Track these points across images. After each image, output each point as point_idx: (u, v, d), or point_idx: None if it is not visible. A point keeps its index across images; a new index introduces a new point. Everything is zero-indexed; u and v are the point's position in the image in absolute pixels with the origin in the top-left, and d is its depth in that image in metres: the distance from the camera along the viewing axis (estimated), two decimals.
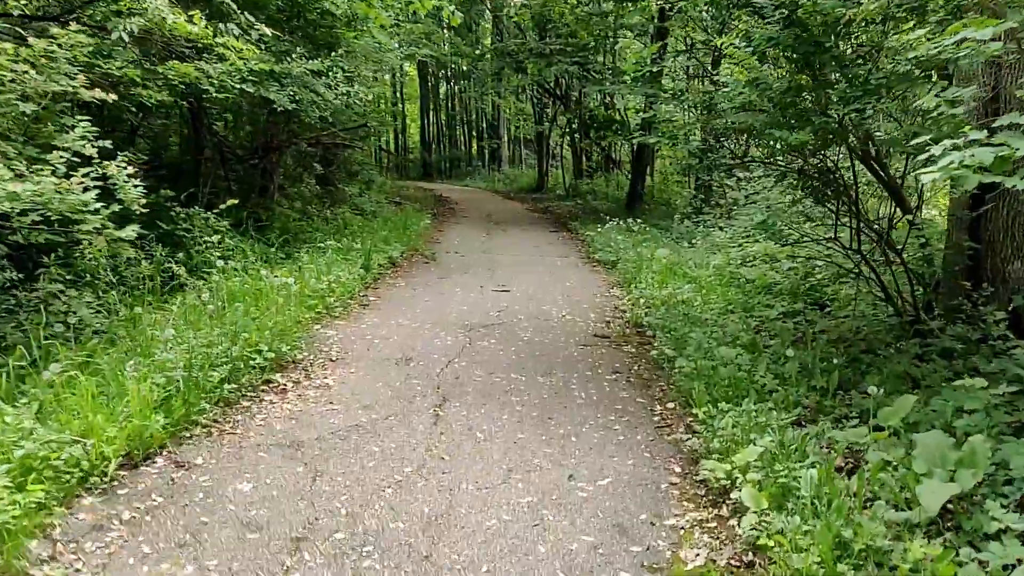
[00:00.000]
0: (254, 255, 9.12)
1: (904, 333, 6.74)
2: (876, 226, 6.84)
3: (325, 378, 6.13)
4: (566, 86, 25.53)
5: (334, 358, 6.61)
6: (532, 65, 20.44)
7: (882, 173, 6.57)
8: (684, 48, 17.67)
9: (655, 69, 16.13)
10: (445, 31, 32.36)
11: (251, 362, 5.92)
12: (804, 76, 5.40)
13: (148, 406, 4.66)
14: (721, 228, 12.45)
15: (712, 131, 14.41)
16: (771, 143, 6.02)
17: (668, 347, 6.80)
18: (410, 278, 10.41)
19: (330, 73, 9.74)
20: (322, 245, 9.80)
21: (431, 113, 48.84)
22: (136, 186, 5.30)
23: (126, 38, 5.69)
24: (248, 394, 5.63)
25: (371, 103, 22.46)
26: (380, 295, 9.21)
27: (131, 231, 5.07)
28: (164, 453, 4.57)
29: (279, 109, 9.32)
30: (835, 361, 6.00)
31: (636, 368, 6.64)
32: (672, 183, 21.85)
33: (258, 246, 9.77)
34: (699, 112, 15.05)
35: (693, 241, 12.43)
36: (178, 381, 4.98)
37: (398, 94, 52.58)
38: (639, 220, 16.25)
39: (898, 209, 6.75)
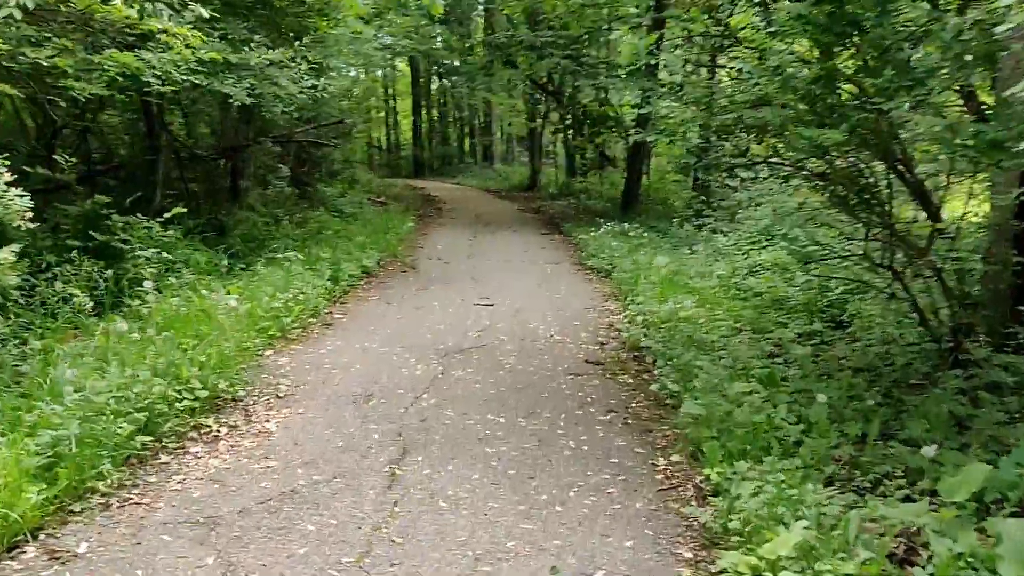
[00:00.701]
0: (206, 268, 8.14)
1: (942, 361, 5.80)
2: (907, 237, 5.89)
3: (267, 421, 5.16)
4: (559, 81, 24.54)
5: (282, 394, 5.64)
6: (523, 59, 19.45)
7: (907, 174, 5.62)
8: (683, 39, 16.65)
9: (652, 61, 15.13)
10: (436, 25, 31.34)
11: (178, 404, 4.96)
12: (838, 63, 4.44)
13: (24, 475, 3.70)
14: (724, 233, 11.49)
15: (714, 128, 13.48)
16: (793, 143, 5.05)
17: (671, 379, 5.84)
18: (385, 290, 9.43)
19: (293, 64, 8.75)
20: (288, 255, 8.81)
21: (423, 110, 47.81)
22: (22, 196, 4.31)
23: (18, 15, 4.70)
24: (169, 446, 4.66)
25: (356, 98, 21.46)
26: (348, 312, 8.23)
27: (8, 253, 4.08)
28: (40, 538, 3.60)
29: (235, 103, 8.34)
30: (868, 401, 5.06)
31: (634, 405, 5.68)
32: (669, 182, 20.89)
33: (216, 256, 8.80)
34: (700, 108, 14.10)
35: (694, 247, 11.46)
36: (69, 440, 4.01)
37: (389, 90, 51.61)
38: (635, 223, 15.30)
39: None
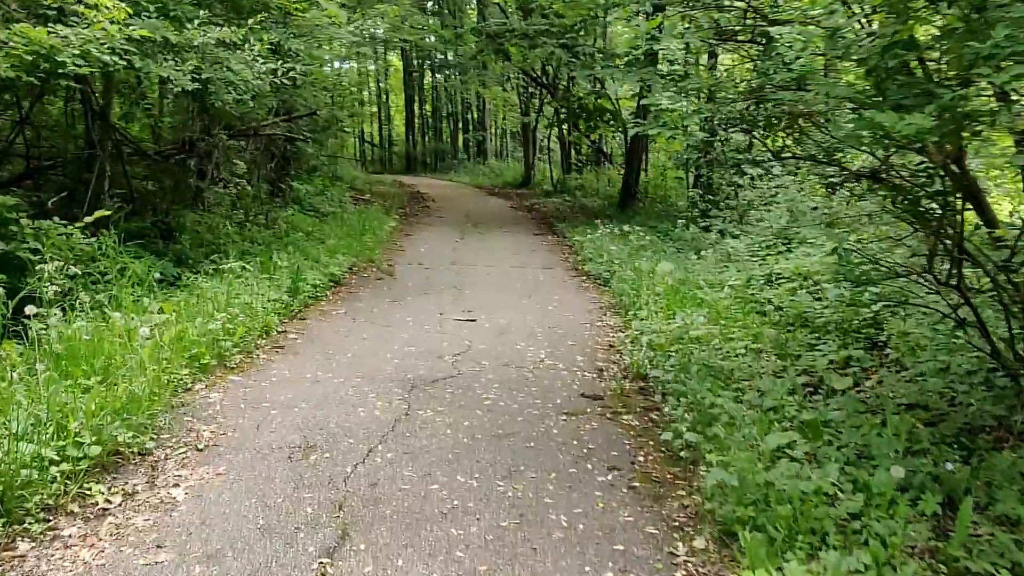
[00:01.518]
0: (146, 280, 6.98)
1: (1020, 401, 4.70)
2: (973, 251, 4.75)
3: (175, 486, 4.01)
4: (553, 74, 23.38)
5: (202, 446, 4.48)
6: (515, 48, 18.28)
7: (956, 170, 4.50)
8: (688, 21, 15.48)
9: (655, 47, 13.97)
10: (427, 16, 30.06)
11: (55, 468, 3.81)
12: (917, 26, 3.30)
13: None
14: (734, 235, 10.34)
15: (719, 120, 12.34)
16: (848, 132, 3.89)
17: (685, 423, 4.71)
18: (353, 303, 8.27)
19: (246, 46, 7.58)
20: (237, 263, 7.63)
21: (416, 105, 46.58)
22: None
23: None
24: (33, 528, 3.51)
25: (342, 90, 20.28)
26: (305, 331, 7.07)
27: None
28: None
29: (175, 89, 7.17)
30: (949, 467, 3.92)
31: (642, 459, 4.53)
32: (671, 178, 19.75)
33: (161, 266, 7.64)
34: (704, 98, 12.96)
35: (701, 251, 10.31)
36: None
37: (382, 85, 50.39)
38: (634, 222, 14.16)
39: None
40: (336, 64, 23.41)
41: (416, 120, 46.50)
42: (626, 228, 12.61)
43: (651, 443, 4.74)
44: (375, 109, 52.76)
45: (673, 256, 10.32)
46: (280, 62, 8.23)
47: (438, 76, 42.65)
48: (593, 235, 12.79)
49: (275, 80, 8.24)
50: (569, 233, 13.93)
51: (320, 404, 5.15)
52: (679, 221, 12.55)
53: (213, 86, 7.57)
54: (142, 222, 8.12)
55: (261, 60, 7.65)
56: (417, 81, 45.45)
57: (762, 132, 11.45)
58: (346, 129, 25.01)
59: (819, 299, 7.32)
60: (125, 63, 6.62)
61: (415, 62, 44.69)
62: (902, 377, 5.52)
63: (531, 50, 16.36)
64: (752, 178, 12.33)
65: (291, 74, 8.38)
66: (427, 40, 25.83)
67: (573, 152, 24.46)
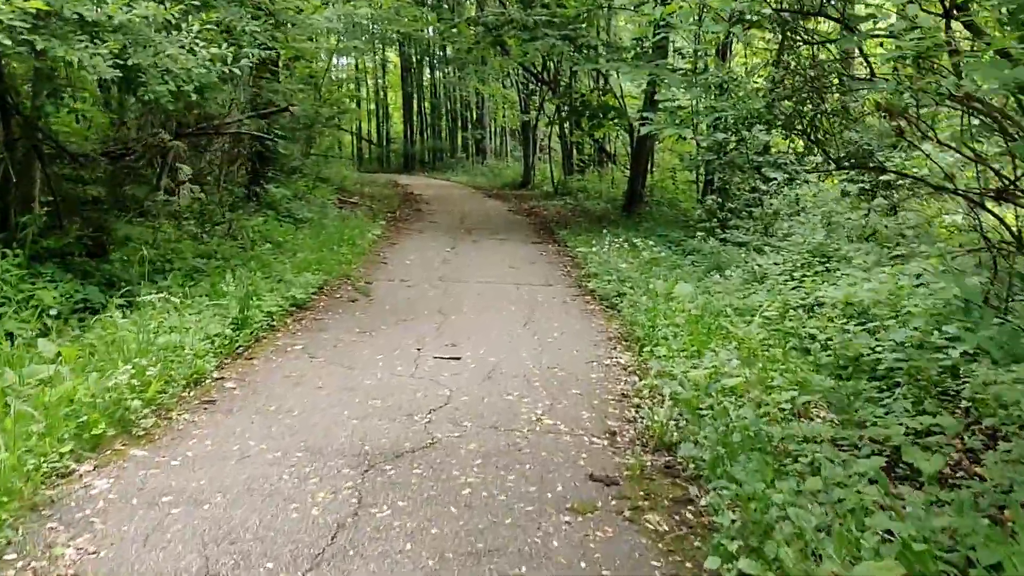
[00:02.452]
0: (63, 308, 5.66)
1: None
2: None
3: None
4: (555, 69, 22.03)
5: (58, 574, 3.16)
6: (514, 40, 16.92)
7: None
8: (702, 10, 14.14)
9: (666, 34, 12.61)
10: (424, 8, 28.58)
11: None
12: None
13: None
14: (760, 250, 9.00)
15: (742, 118, 10.99)
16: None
17: (736, 543, 3.37)
18: (316, 334, 6.92)
19: (184, 26, 6.24)
20: (168, 293, 6.28)
21: (415, 102, 45.19)
22: None
23: None
24: None
25: (328, 86, 18.92)
26: (248, 376, 5.71)
27: None
28: None
29: (93, 77, 5.84)
30: None
31: None
32: (680, 181, 18.41)
33: (84, 291, 6.32)
34: (721, 94, 11.56)
35: (723, 269, 8.95)
36: None
37: (380, 81, 49.02)
38: (642, 230, 12.87)
39: None
40: (335, 60, 22.06)
41: (415, 118, 45.13)
42: (636, 240, 11.29)
43: (689, 563, 3.40)
44: (373, 106, 51.43)
45: (690, 274, 8.98)
46: (233, 48, 6.89)
47: (437, 73, 41.26)
48: (598, 245, 11.46)
49: (227, 69, 6.89)
50: (571, 242, 12.60)
51: (241, 497, 3.81)
52: (693, 230, 11.18)
53: (145, 74, 6.23)
54: (66, 237, 6.78)
55: (202, 44, 6.30)
56: (415, 78, 44.08)
57: (783, 132, 10.07)
58: (343, 127, 23.64)
59: (873, 333, 6.00)
60: (23, 46, 5.30)
61: (413, 58, 43.32)
62: (1008, 456, 4.19)
63: (531, 42, 14.99)
64: (776, 183, 11.02)
65: (243, 62, 7.04)
66: (423, 32, 24.38)
67: (575, 152, 23.13)
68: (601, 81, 22.64)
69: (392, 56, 47.55)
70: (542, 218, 16.86)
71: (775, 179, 11.18)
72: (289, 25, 9.36)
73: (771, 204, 9.98)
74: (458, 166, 35.40)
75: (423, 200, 19.78)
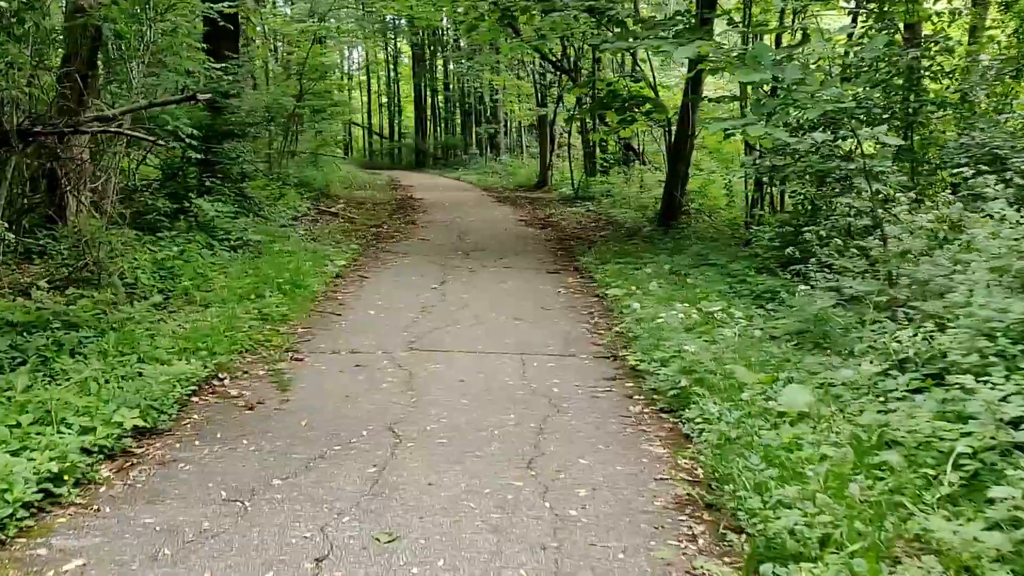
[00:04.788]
0: None
1: None
2: None
3: None
4: (575, 56, 18.70)
5: None
6: (525, 17, 13.62)
7: None
8: None
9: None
10: None
11: None
12: None
13: None
14: (907, 317, 5.62)
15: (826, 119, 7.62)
16: None
17: None
18: (133, 514, 3.69)
19: None
20: None
21: (427, 95, 41.97)
22: None
23: None
24: None
25: (312, 74, 15.78)
26: None
27: None
28: None
29: None
30: None
31: None
32: (722, 184, 15.05)
33: None
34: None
35: (838, 346, 5.59)
36: None
37: (392, 73, 45.87)
38: (688, 254, 9.64)
39: None
40: (347, 52, 18.81)
41: (427, 111, 41.92)
42: (686, 273, 8.03)
43: None
44: (384, 100, 48.19)
45: (789, 353, 5.65)
46: None
47: (451, 65, 37.98)
48: (636, 281, 8.23)
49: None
50: (598, 273, 9.34)
51: None
52: (801, 288, 7.71)
53: None
54: None
55: None
56: (428, 70, 40.84)
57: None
58: (331, 119, 20.47)
59: None
60: None
61: (426, 50, 40.08)
62: None
63: (546, 16, 11.69)
64: (893, 204, 7.71)
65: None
66: (432, 10, 21.04)
67: (597, 150, 19.79)
68: (628, 66, 19.28)
69: (405, 47, 44.35)
70: (560, 232, 13.61)
71: (881, 194, 7.86)
72: None
73: (895, 236, 6.61)
74: (471, 163, 32.19)
75: (421, 207, 16.57)
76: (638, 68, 14.34)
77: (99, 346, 5.05)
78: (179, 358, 5.11)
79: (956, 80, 9.66)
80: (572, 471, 4.12)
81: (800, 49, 7.63)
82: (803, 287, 6.64)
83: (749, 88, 11.15)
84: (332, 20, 24.26)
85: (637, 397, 5.39)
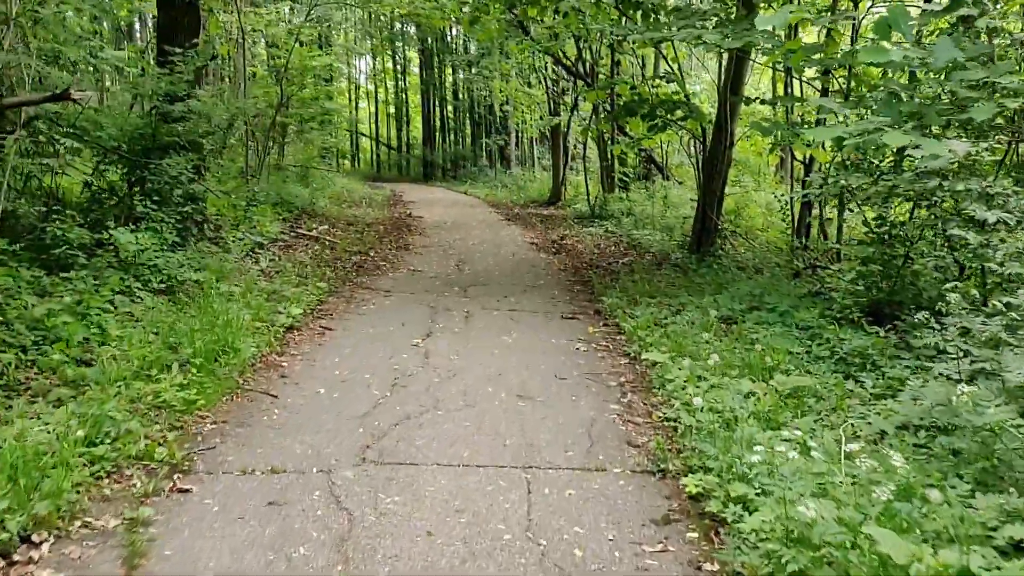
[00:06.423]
0: None
1: None
2: None
3: None
4: (592, 59, 16.65)
5: None
6: (535, 11, 11.56)
7: None
8: None
9: None
10: None
11: None
12: None
13: None
14: None
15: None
16: None
17: None
18: None
19: None
20: None
21: (436, 106, 40.03)
22: None
23: None
24: None
25: (298, 79, 13.85)
26: None
27: None
28: None
29: None
30: None
31: None
32: (762, 202, 12.91)
33: None
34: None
35: (988, 467, 3.49)
36: None
37: (400, 83, 44.06)
38: (733, 291, 7.57)
39: None
40: (354, 61, 16.90)
41: (436, 122, 39.96)
42: (743, 324, 5.93)
43: None
44: (392, 110, 46.24)
45: (918, 470, 3.54)
46: None
47: (459, 74, 36.01)
48: (678, 336, 6.16)
49: None
50: (626, 321, 7.25)
51: None
52: (875, 330, 5.63)
53: None
54: None
55: None
56: (435, 77, 38.93)
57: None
58: (319, 130, 18.50)
59: None
60: None
61: (435, 58, 38.15)
62: None
63: (558, 1, 9.63)
64: (992, 225, 5.61)
65: None
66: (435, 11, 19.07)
67: (616, 163, 17.70)
68: (650, 68, 17.21)
69: (412, 55, 42.47)
70: (576, 259, 11.52)
71: (1000, 225, 5.76)
72: None
73: (998, 296, 4.45)
74: (480, 175, 30.19)
75: (418, 228, 14.53)
76: (668, 69, 12.24)
77: None
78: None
79: None
80: None
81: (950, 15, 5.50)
82: (942, 368, 4.48)
83: (833, 82, 9.03)
84: (329, 25, 22.43)
85: (710, 568, 3.29)
